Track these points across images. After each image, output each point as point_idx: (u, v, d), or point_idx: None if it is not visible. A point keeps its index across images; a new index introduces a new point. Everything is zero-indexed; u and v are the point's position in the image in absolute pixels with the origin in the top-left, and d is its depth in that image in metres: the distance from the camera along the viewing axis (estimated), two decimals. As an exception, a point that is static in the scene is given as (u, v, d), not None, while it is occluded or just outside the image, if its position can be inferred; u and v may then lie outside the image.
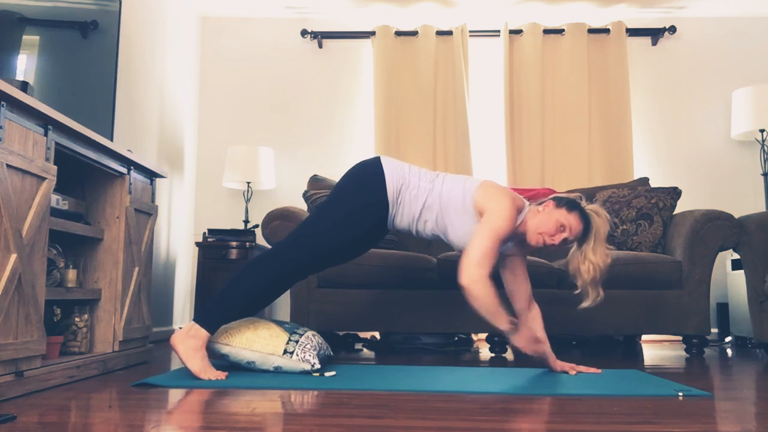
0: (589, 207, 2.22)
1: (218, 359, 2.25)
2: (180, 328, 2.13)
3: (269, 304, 2.24)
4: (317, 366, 2.18)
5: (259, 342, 2.21)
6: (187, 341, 2.04)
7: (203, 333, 2.06)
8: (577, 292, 2.20)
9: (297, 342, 2.22)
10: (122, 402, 1.65)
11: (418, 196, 2.21)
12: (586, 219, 2.18)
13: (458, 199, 2.18)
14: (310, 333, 2.31)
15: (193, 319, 2.09)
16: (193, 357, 2.03)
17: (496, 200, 2.13)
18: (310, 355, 2.20)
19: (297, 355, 2.19)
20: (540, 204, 2.24)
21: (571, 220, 2.16)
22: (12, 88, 1.68)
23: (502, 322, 2.08)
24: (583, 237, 2.18)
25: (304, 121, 4.51)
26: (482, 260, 2.04)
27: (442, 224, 2.21)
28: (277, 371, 2.21)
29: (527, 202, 2.26)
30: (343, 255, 2.27)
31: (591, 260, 2.15)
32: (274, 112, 4.52)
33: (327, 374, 2.16)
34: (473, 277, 2.03)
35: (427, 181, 2.23)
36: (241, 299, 2.12)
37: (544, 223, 2.16)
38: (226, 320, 2.14)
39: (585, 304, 2.18)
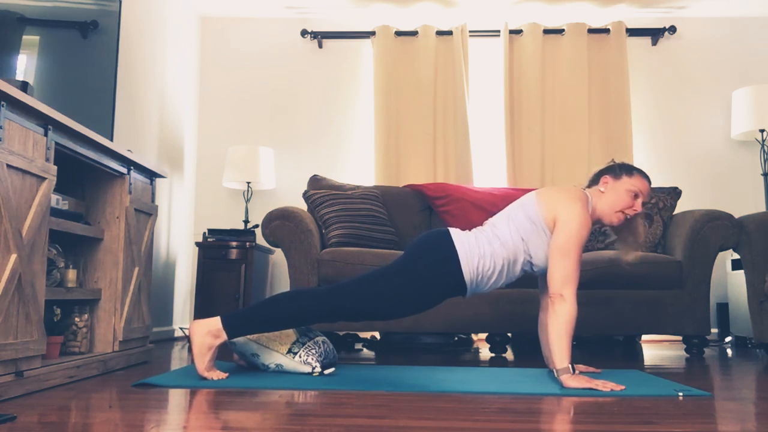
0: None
1: (225, 346, 2.26)
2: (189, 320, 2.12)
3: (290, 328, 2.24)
4: (318, 370, 2.18)
5: (267, 337, 2.23)
6: (206, 338, 2.03)
7: (223, 336, 2.04)
8: (623, 255, 2.27)
9: (303, 344, 2.23)
10: (122, 402, 1.65)
11: (499, 256, 2.09)
12: (644, 173, 2.18)
13: (527, 225, 2.09)
14: (320, 338, 2.31)
15: (221, 318, 2.05)
16: (203, 355, 2.03)
17: (565, 205, 2.06)
18: (312, 359, 2.20)
19: (300, 357, 2.19)
20: (595, 183, 2.21)
21: (637, 183, 2.15)
22: (12, 88, 1.68)
23: (564, 356, 1.96)
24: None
25: (304, 121, 4.51)
26: (570, 279, 2.01)
27: (528, 257, 2.13)
28: (278, 369, 2.22)
29: (585, 191, 2.20)
30: (387, 318, 2.17)
31: (641, 217, 2.19)
32: (274, 112, 4.52)
33: (326, 371, 2.17)
34: (564, 296, 1.99)
35: (492, 237, 2.11)
36: (273, 322, 2.08)
37: (618, 199, 2.14)
38: (249, 333, 2.12)
39: (631, 258, 2.25)
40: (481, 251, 2.08)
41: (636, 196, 2.14)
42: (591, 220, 2.12)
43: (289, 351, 2.20)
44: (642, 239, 2.21)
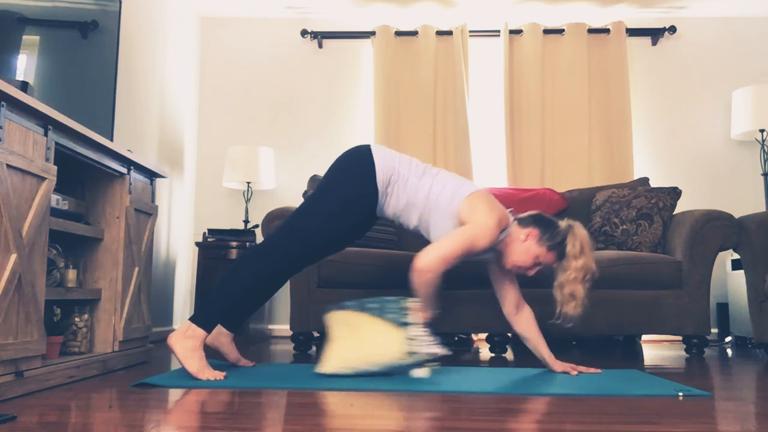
0: (572, 238, 2.18)
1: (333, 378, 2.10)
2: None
3: (268, 298, 2.24)
4: (438, 354, 2.08)
5: (376, 354, 2.08)
6: (185, 342, 2.04)
7: (200, 332, 2.06)
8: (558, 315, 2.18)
9: (413, 339, 2.07)
10: (122, 402, 1.65)
11: (406, 191, 2.19)
12: (561, 253, 2.19)
13: (445, 202, 2.17)
14: (410, 317, 2.11)
15: (189, 319, 2.09)
16: (191, 357, 2.03)
17: (480, 215, 2.11)
18: (431, 347, 2.07)
19: (421, 353, 2.07)
20: (525, 226, 2.20)
21: (549, 258, 2.19)
22: (12, 88, 1.68)
23: (426, 311, 2.15)
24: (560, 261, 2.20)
25: (304, 121, 4.51)
26: (443, 259, 2.07)
27: (426, 224, 2.21)
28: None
29: (512, 219, 2.23)
30: (337, 245, 2.26)
31: (572, 290, 2.16)
32: (274, 113, 4.52)
33: (430, 367, 2.12)
34: (429, 267, 2.06)
35: (417, 177, 2.21)
36: (237, 296, 2.11)
37: (523, 256, 2.18)
38: (222, 318, 2.13)
39: (570, 311, 2.15)
40: (397, 170, 2.19)
41: (538, 264, 2.19)
42: (494, 241, 2.14)
43: (409, 353, 2.06)
44: (581, 305, 2.15)
